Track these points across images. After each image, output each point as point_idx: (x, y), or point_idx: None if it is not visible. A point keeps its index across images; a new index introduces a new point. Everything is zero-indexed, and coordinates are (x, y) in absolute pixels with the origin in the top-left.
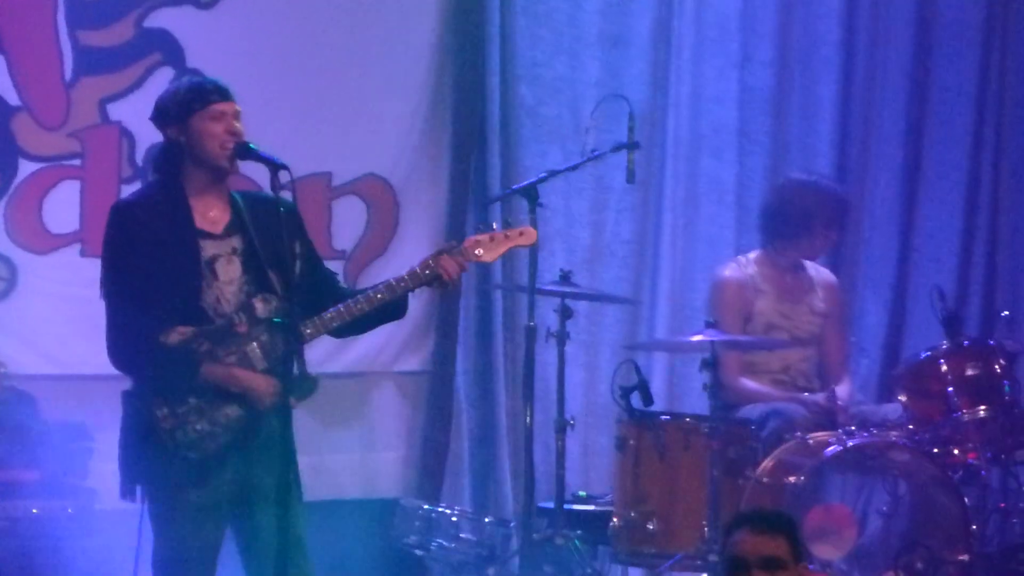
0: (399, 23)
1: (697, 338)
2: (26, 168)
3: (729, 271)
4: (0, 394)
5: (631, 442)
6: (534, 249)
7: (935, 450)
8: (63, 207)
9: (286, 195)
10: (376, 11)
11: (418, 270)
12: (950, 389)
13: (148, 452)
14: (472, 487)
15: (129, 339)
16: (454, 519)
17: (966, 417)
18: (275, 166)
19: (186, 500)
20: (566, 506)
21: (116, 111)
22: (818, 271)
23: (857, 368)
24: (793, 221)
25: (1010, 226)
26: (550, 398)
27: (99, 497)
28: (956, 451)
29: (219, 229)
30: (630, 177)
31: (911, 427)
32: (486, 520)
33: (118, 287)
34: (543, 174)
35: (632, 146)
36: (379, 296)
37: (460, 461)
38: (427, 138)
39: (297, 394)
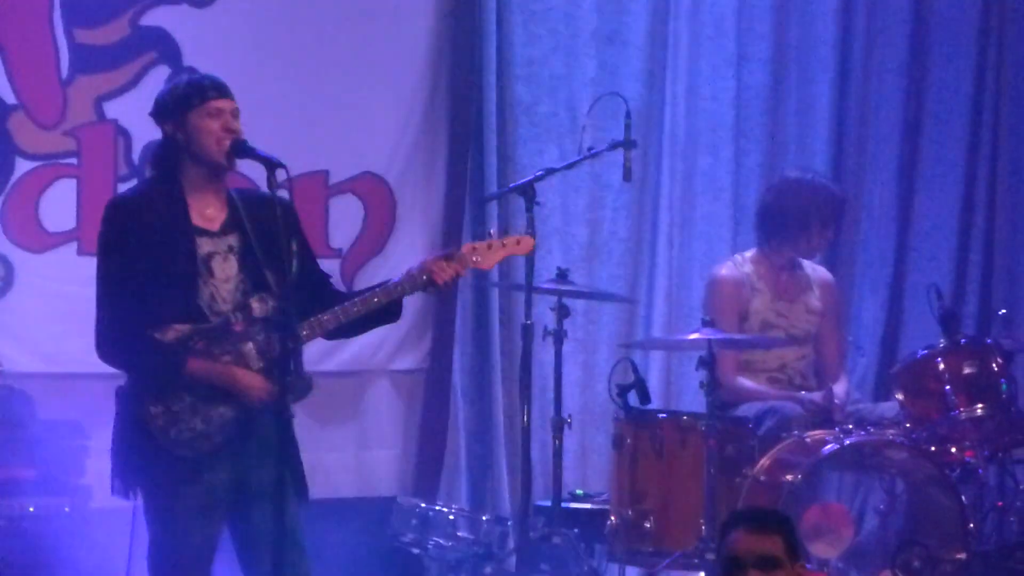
0: (395, 21)
1: (694, 336)
2: (22, 166)
3: (725, 270)
4: None
5: (628, 440)
6: None
7: (932, 448)
8: (59, 205)
9: (283, 193)
10: (372, 10)
11: (415, 274)
12: (947, 387)
13: (141, 449)
14: (469, 485)
15: (115, 330)
16: (451, 517)
17: (963, 415)
18: (272, 164)
19: (180, 498)
20: (563, 504)
21: (112, 109)
22: (814, 269)
23: (854, 366)
24: (789, 220)
25: (1007, 225)
26: (547, 396)
27: (95, 495)
28: (953, 449)
29: (216, 226)
30: (627, 175)
31: (908, 425)
32: (483, 518)
33: (111, 281)
34: (540, 172)
35: (629, 144)
36: (375, 300)
37: (457, 459)
38: (424, 136)
39: (292, 395)
